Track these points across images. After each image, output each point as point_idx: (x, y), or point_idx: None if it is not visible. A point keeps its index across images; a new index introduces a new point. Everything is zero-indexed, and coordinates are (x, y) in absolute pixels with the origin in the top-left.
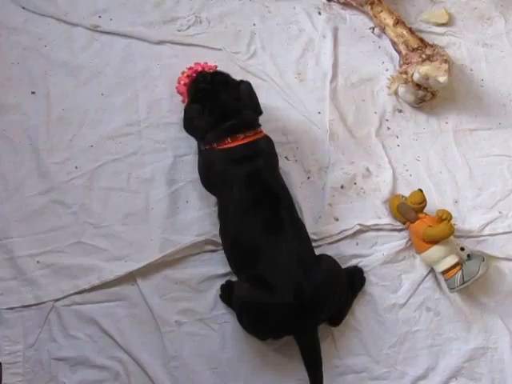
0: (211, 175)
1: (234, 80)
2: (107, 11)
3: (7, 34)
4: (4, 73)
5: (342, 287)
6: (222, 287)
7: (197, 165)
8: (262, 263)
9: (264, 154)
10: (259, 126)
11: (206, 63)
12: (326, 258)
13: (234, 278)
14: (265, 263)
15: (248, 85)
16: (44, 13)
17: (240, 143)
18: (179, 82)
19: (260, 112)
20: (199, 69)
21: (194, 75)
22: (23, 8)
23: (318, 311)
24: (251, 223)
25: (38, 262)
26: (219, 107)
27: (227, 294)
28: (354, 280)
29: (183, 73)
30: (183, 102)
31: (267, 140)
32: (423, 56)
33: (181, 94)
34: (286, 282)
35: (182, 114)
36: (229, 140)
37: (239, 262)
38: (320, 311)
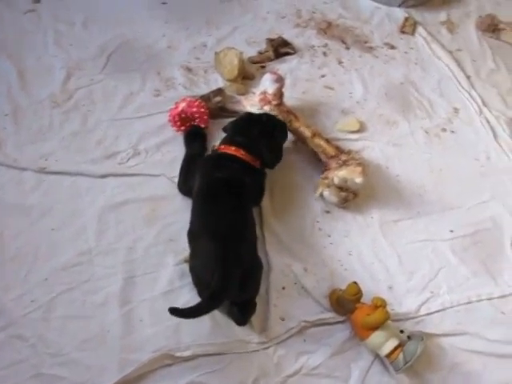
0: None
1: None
2: (52, 154)
3: None
4: None
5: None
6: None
7: None
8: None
9: (247, 177)
10: (258, 160)
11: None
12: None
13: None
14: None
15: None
16: None
17: (230, 152)
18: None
19: (272, 163)
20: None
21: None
22: None
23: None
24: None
25: None
26: (246, 131)
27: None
28: None
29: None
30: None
31: (260, 172)
32: (340, 162)
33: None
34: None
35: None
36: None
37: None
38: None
